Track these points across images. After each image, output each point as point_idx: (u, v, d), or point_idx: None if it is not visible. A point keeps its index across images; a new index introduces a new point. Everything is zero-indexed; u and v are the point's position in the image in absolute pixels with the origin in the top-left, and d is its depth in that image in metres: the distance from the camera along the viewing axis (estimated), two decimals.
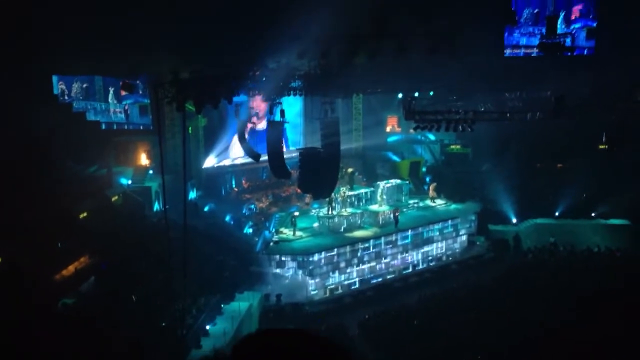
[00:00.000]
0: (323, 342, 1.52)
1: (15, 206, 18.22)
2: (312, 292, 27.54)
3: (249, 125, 34.36)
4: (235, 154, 35.17)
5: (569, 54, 29.91)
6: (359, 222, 30.55)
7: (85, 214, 23.54)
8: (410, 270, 30.87)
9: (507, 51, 30.10)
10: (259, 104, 33.07)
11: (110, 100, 31.31)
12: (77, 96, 30.58)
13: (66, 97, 30.02)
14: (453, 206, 33.95)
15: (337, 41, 21.63)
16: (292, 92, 26.94)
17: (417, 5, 20.54)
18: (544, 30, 28.07)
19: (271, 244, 28.47)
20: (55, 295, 19.18)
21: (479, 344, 20.16)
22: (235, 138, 32.41)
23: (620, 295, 21.04)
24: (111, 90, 31.07)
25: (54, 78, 29.52)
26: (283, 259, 27.77)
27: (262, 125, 34.42)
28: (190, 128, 31.36)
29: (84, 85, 30.57)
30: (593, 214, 33.99)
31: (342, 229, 29.85)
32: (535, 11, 30.65)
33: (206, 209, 31.59)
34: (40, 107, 22.24)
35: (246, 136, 31.96)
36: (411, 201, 33.76)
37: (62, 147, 22.82)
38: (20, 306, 15.97)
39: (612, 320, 19.04)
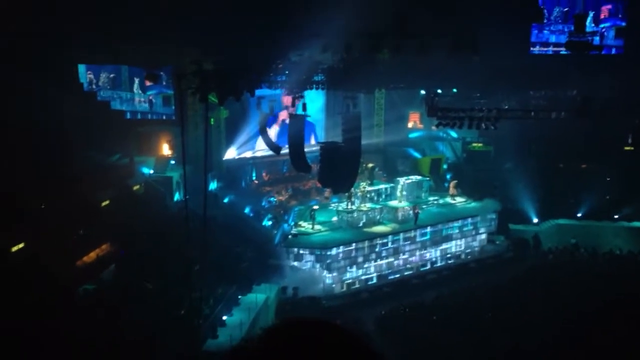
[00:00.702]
0: (353, 337, 1.55)
1: (38, 194, 18.50)
2: (330, 286, 27.57)
3: (279, 121, 34.35)
4: (261, 146, 35.18)
5: (597, 52, 29.50)
6: (378, 217, 30.48)
7: (107, 203, 23.81)
8: (428, 267, 30.75)
9: (536, 48, 29.78)
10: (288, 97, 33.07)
11: (135, 90, 31.70)
12: (105, 85, 31.20)
13: (94, 87, 30.65)
14: (473, 204, 33.67)
15: (360, 37, 21.58)
16: (314, 85, 26.90)
17: (440, 3, 20.40)
18: (572, 29, 27.73)
19: (290, 237, 28.54)
20: (76, 282, 19.49)
21: (495, 344, 20.04)
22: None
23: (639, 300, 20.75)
24: (136, 80, 31.43)
25: (82, 68, 30.01)
26: (301, 252, 27.84)
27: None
28: (212, 119, 31.50)
29: (111, 76, 31.19)
30: (616, 216, 33.48)
31: (361, 224, 29.80)
32: (565, 10, 30.26)
33: (226, 200, 31.72)
34: (65, 96, 22.52)
35: (274, 132, 31.93)
36: (431, 198, 33.57)
37: (85, 135, 23.10)
38: (42, 292, 16.26)
39: (630, 325, 18.78)
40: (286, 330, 1.54)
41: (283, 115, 35.26)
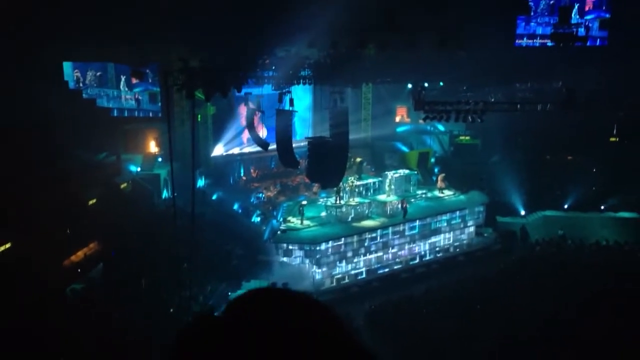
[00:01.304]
0: (309, 300, 1.53)
1: (24, 192, 18.36)
2: (319, 281, 27.62)
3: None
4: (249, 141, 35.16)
5: (581, 44, 29.68)
6: (366, 211, 30.52)
7: (94, 201, 23.69)
8: (417, 261, 30.87)
9: (524, 41, 29.92)
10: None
11: (121, 87, 31.61)
12: (92, 83, 31.19)
13: (81, 85, 30.65)
14: (461, 197, 33.82)
15: (347, 32, 21.56)
16: (301, 81, 26.85)
17: None
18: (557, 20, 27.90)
19: (278, 232, 28.53)
20: (64, 281, 19.40)
21: (485, 336, 20.17)
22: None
23: (626, 291, 20.96)
24: (123, 78, 31.38)
25: (69, 66, 29.93)
26: (290, 247, 27.83)
27: None
28: (199, 116, 31.40)
29: (98, 74, 31.24)
30: (602, 207, 33.79)
31: (349, 219, 29.84)
32: (551, 2, 30.44)
33: (214, 197, 31.68)
34: (50, 94, 22.34)
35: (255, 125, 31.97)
36: (419, 191, 33.64)
37: (71, 133, 22.94)
38: (29, 291, 16.15)
39: (617, 315, 18.99)
40: (250, 299, 1.52)
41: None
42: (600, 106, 27.58)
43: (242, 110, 33.68)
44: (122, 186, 27.41)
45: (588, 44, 30.09)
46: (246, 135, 33.62)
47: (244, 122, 33.38)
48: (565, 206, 34.28)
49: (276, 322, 1.38)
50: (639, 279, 22.47)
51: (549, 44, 29.34)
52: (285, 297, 1.51)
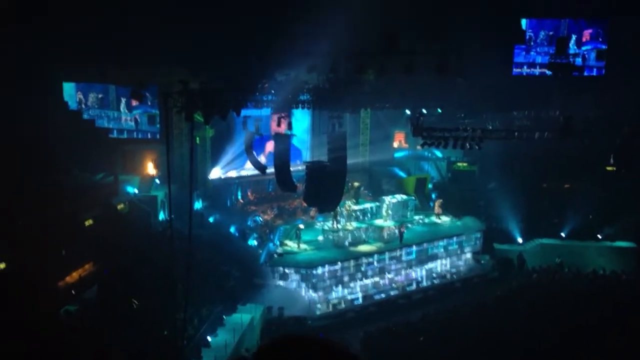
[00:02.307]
0: (343, 352, 1.55)
1: (20, 212, 18.29)
2: (315, 306, 27.45)
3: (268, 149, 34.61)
4: (249, 165, 35.16)
5: (578, 73, 29.98)
6: (363, 236, 30.49)
7: (90, 222, 23.58)
8: (414, 287, 30.72)
9: (524, 69, 30.23)
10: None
11: (122, 109, 31.80)
12: (93, 105, 31.46)
13: (83, 106, 30.96)
14: (458, 223, 33.83)
15: (346, 57, 21.73)
16: (300, 105, 26.99)
17: (426, 24, 20.66)
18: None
19: (275, 255, 28.43)
20: (58, 302, 19.21)
21: None
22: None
23: (623, 320, 20.85)
24: (123, 100, 31.56)
25: (72, 87, 30.26)
26: (286, 271, 27.74)
27: None
28: (197, 138, 31.48)
29: (100, 96, 31.58)
30: (599, 236, 33.78)
31: (346, 243, 29.79)
32: (550, 33, 30.89)
33: (211, 219, 31.61)
34: (49, 114, 22.40)
35: (261, 158, 32.10)
36: (416, 217, 33.67)
37: (69, 153, 22.94)
38: (23, 312, 15.99)
39: (615, 344, 18.86)
40: (281, 348, 1.54)
41: (270, 146, 35.27)
42: (597, 135, 27.71)
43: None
44: (119, 207, 27.33)
45: (585, 73, 30.40)
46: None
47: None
48: (563, 234, 34.27)
49: None
50: (636, 308, 22.36)
51: (548, 73, 29.64)
52: (316, 346, 1.53)
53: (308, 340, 1.57)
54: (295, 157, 33.89)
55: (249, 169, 34.95)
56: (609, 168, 34.70)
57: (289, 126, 27.17)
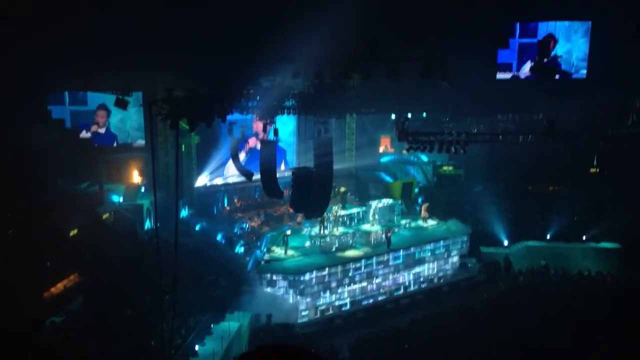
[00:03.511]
0: None
1: (3, 223, 18.08)
2: (303, 313, 27.38)
3: (247, 146, 34.61)
4: (232, 172, 35.17)
5: (561, 77, 30.23)
6: (350, 241, 30.47)
7: (75, 232, 23.37)
8: (402, 291, 30.76)
9: (507, 74, 30.38)
10: (258, 123, 33.10)
11: None
12: None
13: None
14: (444, 227, 33.96)
15: (330, 63, 21.74)
16: (285, 111, 26.98)
17: (409, 29, 20.75)
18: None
19: (262, 262, 28.33)
20: (43, 314, 18.99)
21: None
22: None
23: (608, 321, 21.01)
24: None
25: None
26: (274, 278, 27.62)
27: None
28: (183, 146, 31.36)
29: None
30: (584, 237, 34.06)
31: (333, 249, 29.75)
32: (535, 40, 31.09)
33: (197, 227, 31.47)
34: (32, 123, 22.19)
35: (242, 157, 32.03)
36: (403, 221, 33.73)
37: (53, 163, 22.72)
38: (8, 324, 15.78)
39: (601, 345, 18.99)
40: (263, 356, 1.52)
41: (252, 142, 35.40)
42: (581, 137, 27.96)
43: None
44: (105, 216, 27.13)
45: (568, 77, 30.66)
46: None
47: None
48: (548, 236, 34.50)
49: None
50: (621, 309, 22.53)
51: (532, 76, 29.86)
52: (292, 353, 1.52)
53: (290, 348, 1.55)
54: (280, 157, 33.97)
55: (234, 176, 34.90)
56: (592, 170, 35.01)
57: (275, 132, 27.12)
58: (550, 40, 29.94)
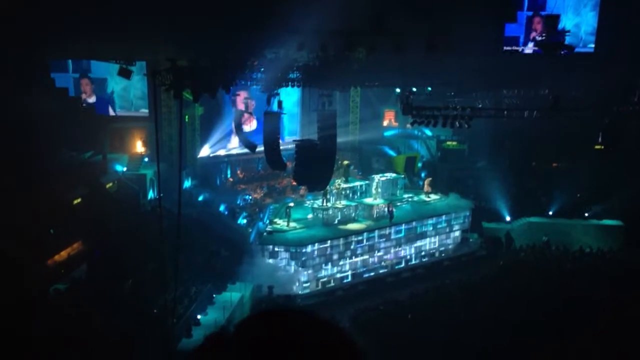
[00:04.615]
0: (328, 325, 1.57)
1: (7, 192, 18.14)
2: (305, 285, 27.61)
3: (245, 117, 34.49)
4: (235, 143, 35.14)
5: (567, 52, 29.90)
6: (353, 214, 30.56)
7: (78, 200, 23.47)
8: (403, 265, 30.94)
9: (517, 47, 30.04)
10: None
11: None
12: None
13: None
14: (447, 201, 33.98)
15: (335, 35, 21.54)
16: (290, 83, 26.82)
17: (414, 3, 20.48)
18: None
19: (265, 234, 28.47)
20: (47, 281, 19.18)
21: (469, 342, 20.24)
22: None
23: (608, 298, 21.15)
24: None
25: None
26: (276, 249, 27.78)
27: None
28: (187, 116, 31.29)
29: None
30: (586, 214, 34.07)
31: (336, 221, 29.86)
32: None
33: (200, 198, 31.55)
34: (35, 92, 22.11)
35: (243, 126, 31.95)
36: (406, 195, 33.76)
37: (57, 132, 22.71)
38: (12, 291, 15.96)
39: (601, 321, 19.14)
40: (263, 321, 1.54)
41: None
42: (586, 114, 27.81)
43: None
44: (108, 186, 27.21)
45: (574, 51, 30.31)
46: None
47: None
48: (550, 213, 34.52)
49: (284, 340, 1.41)
50: (622, 285, 22.66)
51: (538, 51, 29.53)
52: (293, 317, 1.54)
53: (293, 312, 1.57)
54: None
55: (237, 147, 34.89)
56: (597, 147, 34.91)
57: (279, 105, 27.03)
58: (558, 15, 29.53)
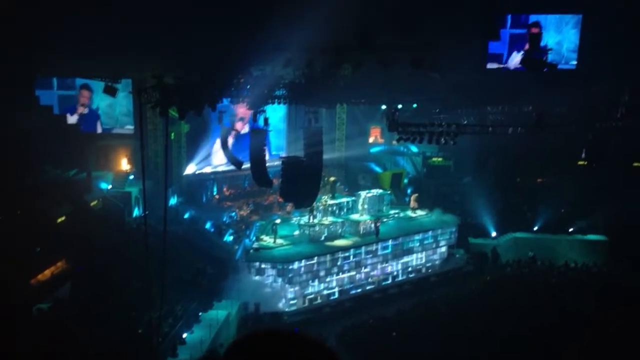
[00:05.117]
0: (316, 346, 1.57)
1: None
2: (292, 302, 27.46)
3: (234, 132, 34.46)
4: (218, 160, 35.10)
5: (547, 69, 30.32)
6: (339, 231, 30.54)
7: (63, 218, 23.25)
8: (390, 281, 30.90)
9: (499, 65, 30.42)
10: (244, 110, 32.93)
11: None
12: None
13: None
14: (433, 217, 34.08)
15: (321, 52, 21.67)
16: (276, 100, 26.89)
17: (400, 20, 20.68)
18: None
19: (251, 251, 28.35)
20: (31, 300, 18.92)
21: (456, 357, 20.22)
22: (218, 145, 32.36)
23: (593, 312, 21.26)
24: None
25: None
26: (263, 266, 27.65)
27: (245, 130, 34.69)
28: (172, 134, 31.22)
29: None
30: (571, 229, 34.31)
31: (322, 238, 29.81)
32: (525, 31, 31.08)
33: (186, 215, 31.41)
34: (20, 109, 21.99)
35: (229, 142, 31.94)
36: (392, 211, 33.83)
37: (41, 150, 22.55)
38: None
39: (587, 335, 19.21)
40: (252, 343, 1.54)
41: (238, 126, 35.26)
42: (569, 129, 28.13)
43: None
44: (93, 204, 27.00)
45: (557, 67, 30.71)
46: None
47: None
48: (535, 228, 34.72)
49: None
50: (607, 300, 22.79)
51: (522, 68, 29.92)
52: (282, 338, 1.54)
53: (281, 334, 1.57)
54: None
55: (223, 164, 34.84)
56: (580, 162, 35.28)
57: (266, 122, 27.08)
58: (536, 29, 29.95)
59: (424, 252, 32.41)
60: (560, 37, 30.07)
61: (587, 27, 29.03)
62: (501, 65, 30.14)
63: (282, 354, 1.48)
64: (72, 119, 31.41)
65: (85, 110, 31.65)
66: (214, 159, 35.18)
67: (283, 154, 35.96)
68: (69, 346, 16.72)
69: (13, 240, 18.28)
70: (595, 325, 20.10)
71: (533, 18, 30.07)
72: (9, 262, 17.56)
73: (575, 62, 29.83)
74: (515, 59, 29.51)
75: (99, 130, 32.03)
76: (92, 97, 31.61)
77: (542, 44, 29.52)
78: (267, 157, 33.72)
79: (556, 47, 29.81)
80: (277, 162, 29.96)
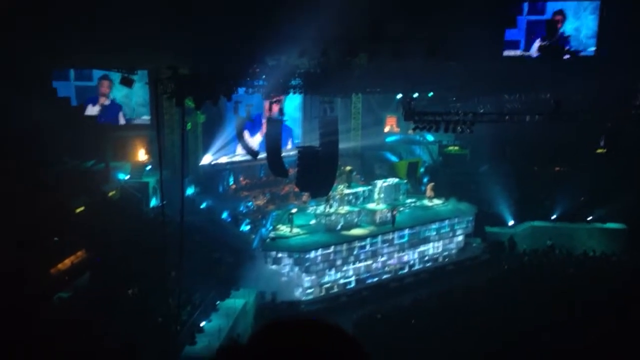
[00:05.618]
0: (337, 332, 1.60)
1: (11, 200, 18.21)
2: (308, 291, 27.58)
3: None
4: (241, 150, 35.19)
5: (568, 56, 29.96)
6: (356, 220, 30.54)
7: (81, 209, 23.52)
8: (407, 270, 30.89)
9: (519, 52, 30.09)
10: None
11: None
12: None
13: None
14: (449, 206, 33.95)
15: (336, 42, 21.63)
16: (291, 90, 26.90)
17: (414, 9, 20.56)
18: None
19: (268, 240, 28.48)
20: (51, 289, 19.21)
21: (473, 347, 20.19)
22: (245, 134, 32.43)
23: (611, 301, 21.10)
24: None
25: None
26: (279, 255, 27.75)
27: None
28: (189, 124, 31.37)
29: None
30: (590, 218, 34.00)
31: (339, 227, 29.82)
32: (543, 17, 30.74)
33: (203, 205, 31.57)
34: (37, 101, 22.23)
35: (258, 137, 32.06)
36: (408, 200, 33.76)
37: (59, 141, 22.80)
38: (16, 300, 15.99)
39: (606, 325, 19.09)
40: (276, 331, 1.56)
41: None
42: (588, 117, 27.81)
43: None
44: (111, 194, 27.27)
45: (576, 55, 30.35)
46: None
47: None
48: (553, 217, 34.47)
49: (298, 350, 1.45)
50: (626, 289, 22.60)
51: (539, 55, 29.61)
52: (305, 326, 1.57)
53: (302, 322, 1.60)
54: (287, 136, 33.96)
55: (240, 154, 34.94)
56: (599, 151, 34.89)
57: (281, 111, 27.12)
58: (559, 17, 29.60)
59: (440, 241, 32.33)
60: (579, 23, 29.70)
61: (606, 13, 28.62)
62: (519, 52, 29.87)
63: (306, 341, 1.51)
64: (93, 110, 31.64)
65: (107, 102, 31.87)
66: (238, 148, 35.26)
67: (299, 143, 35.99)
68: (88, 334, 16.98)
69: (33, 231, 18.54)
70: (613, 313, 19.97)
71: (551, 5, 29.72)
72: (30, 252, 17.83)
73: (593, 49, 29.47)
74: (535, 47, 29.24)
75: (122, 121, 32.19)
76: (112, 87, 31.82)
77: (560, 30, 29.21)
78: (289, 146, 33.83)
79: (574, 34, 29.47)
80: (293, 152, 29.98)
